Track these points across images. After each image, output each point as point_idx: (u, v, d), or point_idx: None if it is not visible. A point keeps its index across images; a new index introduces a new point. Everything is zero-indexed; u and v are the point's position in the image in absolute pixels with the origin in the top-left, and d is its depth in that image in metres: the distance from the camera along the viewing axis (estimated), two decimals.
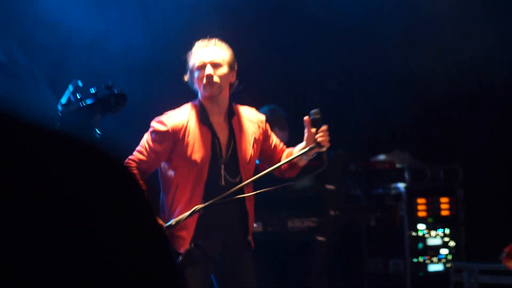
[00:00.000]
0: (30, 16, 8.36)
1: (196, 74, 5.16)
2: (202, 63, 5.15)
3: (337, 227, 7.66)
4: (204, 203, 5.04)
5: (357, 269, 8.41)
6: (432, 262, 8.30)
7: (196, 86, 5.20)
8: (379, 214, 8.14)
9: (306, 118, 5.11)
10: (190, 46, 5.47)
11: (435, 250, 8.34)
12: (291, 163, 5.25)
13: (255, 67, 8.58)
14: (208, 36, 5.33)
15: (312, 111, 5.13)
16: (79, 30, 8.57)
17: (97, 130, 4.48)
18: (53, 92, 8.22)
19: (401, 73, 9.33)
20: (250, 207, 5.29)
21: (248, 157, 5.22)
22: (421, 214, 8.37)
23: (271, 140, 5.42)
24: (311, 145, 5.04)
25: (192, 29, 8.56)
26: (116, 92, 4.49)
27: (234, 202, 5.12)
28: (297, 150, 5.16)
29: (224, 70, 5.19)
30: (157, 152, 5.12)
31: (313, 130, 5.07)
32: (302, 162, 5.26)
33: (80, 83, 4.60)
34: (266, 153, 5.41)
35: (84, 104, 4.38)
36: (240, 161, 5.19)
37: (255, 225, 6.97)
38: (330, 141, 5.11)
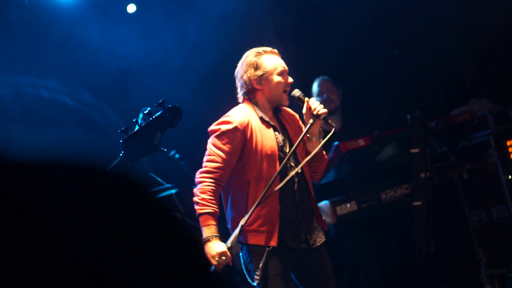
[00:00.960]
0: (90, 57, 8.55)
1: (277, 78, 5.38)
2: (285, 70, 5.45)
3: (431, 188, 7.56)
4: (280, 195, 5.28)
5: (461, 224, 8.28)
6: None
7: (273, 89, 5.40)
8: (470, 166, 8.00)
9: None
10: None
11: None
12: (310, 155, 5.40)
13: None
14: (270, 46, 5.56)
15: (292, 93, 5.42)
16: (137, 57, 8.74)
17: (161, 148, 4.56)
18: (121, 119, 8.41)
19: (459, 23, 9.20)
20: (312, 195, 5.52)
21: (301, 146, 5.46)
22: None
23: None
24: (310, 122, 5.29)
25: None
26: (169, 107, 4.56)
27: (305, 194, 5.43)
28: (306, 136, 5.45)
29: None
30: (231, 153, 5.24)
31: (304, 108, 5.34)
32: (316, 146, 5.40)
33: (148, 109, 4.68)
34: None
35: (141, 126, 4.45)
36: (297, 151, 5.42)
37: (348, 205, 7.00)
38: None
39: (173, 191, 7.04)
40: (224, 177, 5.24)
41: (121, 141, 4.47)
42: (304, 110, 5.35)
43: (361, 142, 7.45)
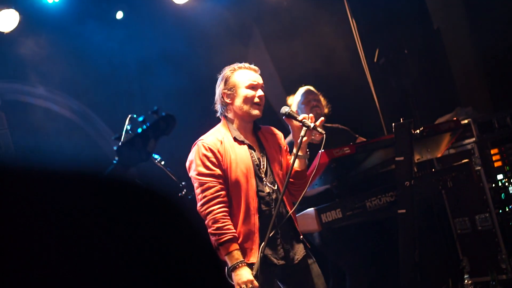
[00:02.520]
0: (77, 64, 8.56)
1: (244, 92, 5.45)
2: (254, 84, 5.49)
3: (416, 196, 7.61)
4: (258, 212, 5.34)
5: (445, 232, 8.34)
6: None
7: (240, 103, 5.46)
8: (454, 174, 8.04)
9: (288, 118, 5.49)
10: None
11: None
12: (295, 173, 5.50)
13: None
14: (248, 62, 5.64)
15: (281, 109, 5.50)
16: (126, 63, 8.75)
17: (154, 155, 4.60)
18: (108, 125, 8.43)
19: (445, 33, 9.27)
20: (291, 211, 5.52)
21: (279, 165, 5.53)
22: (497, 164, 8.26)
23: (286, 156, 5.70)
24: (301, 134, 5.38)
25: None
26: (163, 115, 4.59)
27: (283, 211, 5.47)
28: (293, 154, 5.48)
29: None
30: (218, 172, 5.31)
31: (294, 122, 5.44)
32: (302, 165, 5.51)
33: (135, 116, 4.71)
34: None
35: (136, 134, 4.48)
36: (274, 170, 5.50)
37: (334, 212, 7.03)
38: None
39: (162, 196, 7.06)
40: (226, 197, 5.29)
41: (115, 148, 4.50)
42: (291, 127, 5.47)
43: (346, 150, 7.47)
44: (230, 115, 5.55)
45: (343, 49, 9.49)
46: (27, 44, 8.39)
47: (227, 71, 5.56)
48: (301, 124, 5.41)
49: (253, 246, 5.28)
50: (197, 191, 5.32)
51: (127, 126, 4.67)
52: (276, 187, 5.47)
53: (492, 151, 8.28)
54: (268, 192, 5.41)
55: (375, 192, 7.58)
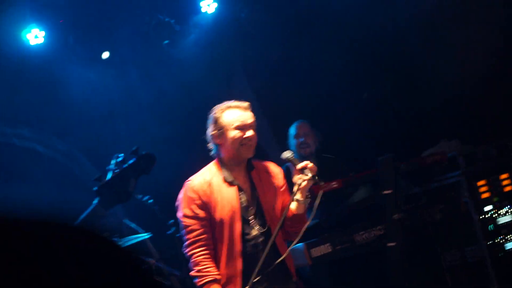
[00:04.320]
0: (61, 104, 8.53)
1: (233, 134, 5.40)
2: (243, 124, 5.44)
3: (404, 229, 7.59)
4: (242, 256, 5.29)
5: (435, 265, 8.30)
6: (507, 240, 8.15)
7: (230, 144, 5.43)
8: (442, 206, 8.04)
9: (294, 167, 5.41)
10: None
11: (507, 227, 8.20)
12: (293, 216, 5.45)
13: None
14: (238, 99, 5.64)
15: (283, 154, 5.49)
16: (112, 101, 8.74)
17: (135, 195, 4.55)
18: (93, 164, 8.39)
19: (428, 66, 9.32)
20: (284, 252, 5.46)
21: (272, 205, 5.48)
22: (485, 195, 8.24)
23: (286, 194, 5.67)
24: (298, 182, 5.32)
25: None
26: (143, 154, 4.55)
27: (271, 252, 5.30)
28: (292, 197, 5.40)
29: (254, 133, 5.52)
30: (203, 216, 5.30)
31: (294, 167, 5.38)
32: (301, 209, 5.45)
33: (121, 156, 4.67)
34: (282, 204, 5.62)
35: (115, 175, 4.44)
36: (265, 211, 5.45)
37: (323, 247, 6.99)
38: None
39: (147, 236, 7.01)
40: (210, 240, 5.27)
41: (94, 189, 4.46)
42: (294, 169, 5.40)
43: (334, 184, 7.48)
44: (222, 154, 5.52)
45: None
46: (10, 85, 8.36)
47: (216, 111, 5.53)
48: (300, 171, 5.36)
49: None
50: (182, 232, 5.34)
51: (110, 166, 4.64)
52: (266, 229, 5.43)
53: (479, 183, 8.27)
54: (255, 235, 5.37)
55: (363, 226, 7.56)
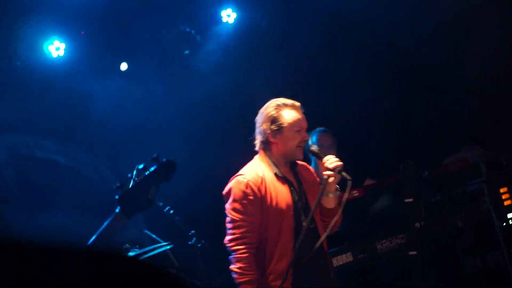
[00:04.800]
0: (83, 116, 8.60)
1: (292, 135, 5.35)
2: (302, 127, 5.42)
3: (426, 237, 7.56)
4: (295, 250, 5.18)
5: (457, 272, 8.26)
6: None
7: (287, 144, 5.37)
8: (464, 213, 8.00)
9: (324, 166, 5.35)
10: None
11: None
12: (325, 211, 5.45)
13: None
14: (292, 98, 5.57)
15: (309, 148, 5.50)
16: (132, 115, 8.78)
17: (156, 202, 4.57)
18: (116, 175, 8.44)
19: (448, 72, 9.30)
20: (326, 249, 5.51)
21: (316, 202, 5.34)
22: (507, 202, 8.19)
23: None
24: (325, 178, 5.28)
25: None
26: (164, 161, 4.57)
27: (317, 249, 5.26)
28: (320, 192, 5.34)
29: None
30: (254, 213, 5.21)
31: (320, 162, 5.35)
32: (332, 203, 5.44)
33: (142, 164, 4.69)
34: None
35: (136, 182, 4.46)
36: (312, 207, 5.33)
37: (344, 256, 6.98)
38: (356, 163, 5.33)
39: (168, 247, 7.03)
40: (254, 239, 5.20)
41: (116, 197, 4.49)
42: (319, 163, 5.40)
43: (355, 193, 7.47)
44: (272, 151, 5.44)
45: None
46: (33, 96, 8.44)
47: (272, 108, 5.43)
48: (326, 166, 5.31)
49: (287, 283, 5.18)
50: (228, 225, 5.24)
51: (135, 171, 4.67)
52: (313, 226, 5.38)
53: (502, 190, 8.22)
54: (308, 229, 5.24)
55: (385, 234, 7.54)
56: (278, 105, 5.41)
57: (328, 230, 5.27)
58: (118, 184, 4.49)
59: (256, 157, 5.50)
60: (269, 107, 5.44)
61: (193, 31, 9.20)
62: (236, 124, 8.83)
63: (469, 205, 8.04)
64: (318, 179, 5.65)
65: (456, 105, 9.44)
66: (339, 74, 9.57)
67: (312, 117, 9.12)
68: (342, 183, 5.40)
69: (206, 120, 8.97)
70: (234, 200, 5.21)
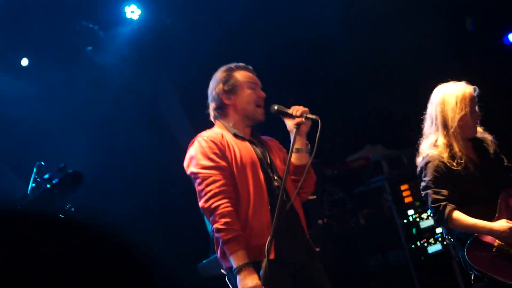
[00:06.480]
0: None
1: (247, 93, 5.05)
2: (257, 84, 5.14)
3: (329, 234, 7.64)
4: (270, 206, 4.79)
5: (359, 269, 8.38)
6: (430, 244, 8.28)
7: (243, 103, 5.07)
8: (366, 211, 8.13)
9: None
10: None
11: (430, 231, 8.32)
12: (295, 168, 5.02)
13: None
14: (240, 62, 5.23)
15: (271, 108, 4.98)
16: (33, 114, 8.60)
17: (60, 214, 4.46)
18: (19, 176, 8.24)
19: (356, 75, 9.41)
20: (299, 209, 5.09)
21: (282, 161, 5.08)
22: (408, 200, 8.36)
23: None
24: (294, 128, 4.91)
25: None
26: (70, 172, 4.45)
27: (290, 208, 4.87)
28: (291, 147, 4.96)
29: None
30: (223, 165, 4.83)
31: (286, 119, 4.98)
32: (304, 159, 5.01)
33: (43, 164, 4.58)
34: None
35: (41, 192, 4.35)
36: (277, 166, 5.05)
37: None
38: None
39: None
40: (232, 193, 4.80)
41: (18, 208, 4.35)
42: (287, 123, 4.99)
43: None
44: (227, 118, 5.13)
45: None
46: None
47: (223, 71, 5.13)
48: (291, 117, 4.93)
49: (267, 242, 4.66)
50: (200, 187, 4.80)
51: (34, 175, 4.55)
52: (283, 182, 4.83)
53: (402, 187, 8.38)
54: (277, 186, 4.87)
55: None
56: (229, 67, 5.15)
57: (298, 189, 4.88)
58: (21, 194, 4.36)
59: (213, 127, 5.13)
60: (219, 71, 5.16)
61: (96, 27, 9.06)
62: (140, 121, 8.77)
63: (372, 203, 8.17)
64: (282, 148, 5.21)
65: (359, 104, 9.56)
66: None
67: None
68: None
69: (110, 116, 8.84)
70: (200, 159, 4.83)
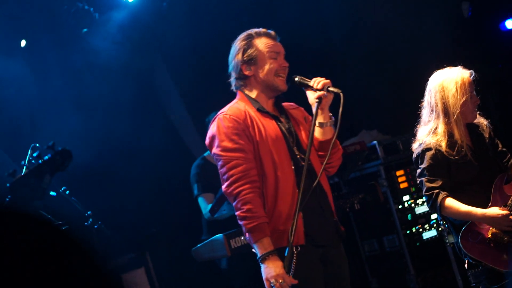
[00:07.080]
0: None
1: (268, 63, 4.82)
2: (279, 52, 4.89)
3: None
4: (297, 184, 4.61)
5: (354, 254, 8.38)
6: (425, 230, 8.28)
7: (263, 75, 4.83)
8: (361, 196, 8.11)
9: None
10: None
11: (425, 217, 8.32)
12: (320, 144, 4.85)
13: None
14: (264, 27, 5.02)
15: (293, 80, 4.87)
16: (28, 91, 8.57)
17: (49, 191, 4.44)
18: (11, 158, 8.21)
19: (349, 55, 9.40)
20: (327, 188, 4.92)
21: (306, 138, 4.83)
22: (403, 185, 8.35)
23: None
24: (316, 101, 4.76)
25: None
26: (59, 150, 4.42)
27: (318, 187, 4.74)
28: (313, 122, 4.78)
29: None
30: (247, 148, 4.66)
31: (308, 91, 4.83)
32: (328, 133, 4.86)
33: (38, 145, 4.56)
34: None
35: (30, 169, 4.33)
36: (303, 142, 4.85)
37: (241, 238, 6.92)
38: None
39: (62, 228, 6.88)
40: (256, 176, 4.61)
41: (7, 185, 4.31)
42: (308, 95, 4.83)
43: None
44: (249, 88, 4.90)
45: None
46: None
47: (242, 39, 4.90)
48: (314, 89, 4.77)
49: (297, 225, 4.54)
50: (222, 170, 4.64)
51: (29, 157, 4.53)
52: (310, 163, 4.72)
53: (398, 173, 8.37)
54: (308, 167, 4.63)
55: None
56: (249, 34, 4.91)
57: (324, 164, 4.68)
58: (10, 171, 4.33)
59: (235, 99, 4.94)
60: (239, 39, 4.94)
61: (91, 9, 9.00)
62: (136, 102, 8.75)
63: (366, 188, 8.17)
64: (310, 117, 4.96)
65: (355, 90, 9.54)
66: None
67: (214, 96, 9.10)
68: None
69: (105, 100, 8.79)
70: (221, 140, 4.65)
